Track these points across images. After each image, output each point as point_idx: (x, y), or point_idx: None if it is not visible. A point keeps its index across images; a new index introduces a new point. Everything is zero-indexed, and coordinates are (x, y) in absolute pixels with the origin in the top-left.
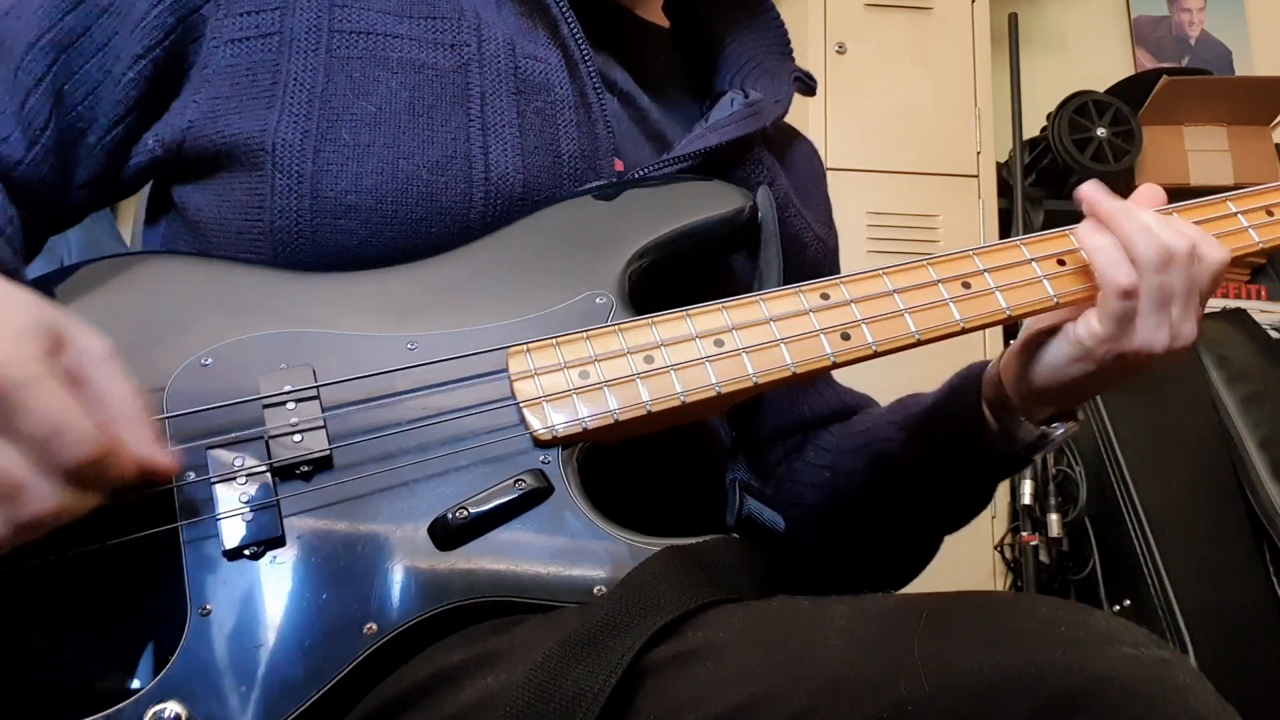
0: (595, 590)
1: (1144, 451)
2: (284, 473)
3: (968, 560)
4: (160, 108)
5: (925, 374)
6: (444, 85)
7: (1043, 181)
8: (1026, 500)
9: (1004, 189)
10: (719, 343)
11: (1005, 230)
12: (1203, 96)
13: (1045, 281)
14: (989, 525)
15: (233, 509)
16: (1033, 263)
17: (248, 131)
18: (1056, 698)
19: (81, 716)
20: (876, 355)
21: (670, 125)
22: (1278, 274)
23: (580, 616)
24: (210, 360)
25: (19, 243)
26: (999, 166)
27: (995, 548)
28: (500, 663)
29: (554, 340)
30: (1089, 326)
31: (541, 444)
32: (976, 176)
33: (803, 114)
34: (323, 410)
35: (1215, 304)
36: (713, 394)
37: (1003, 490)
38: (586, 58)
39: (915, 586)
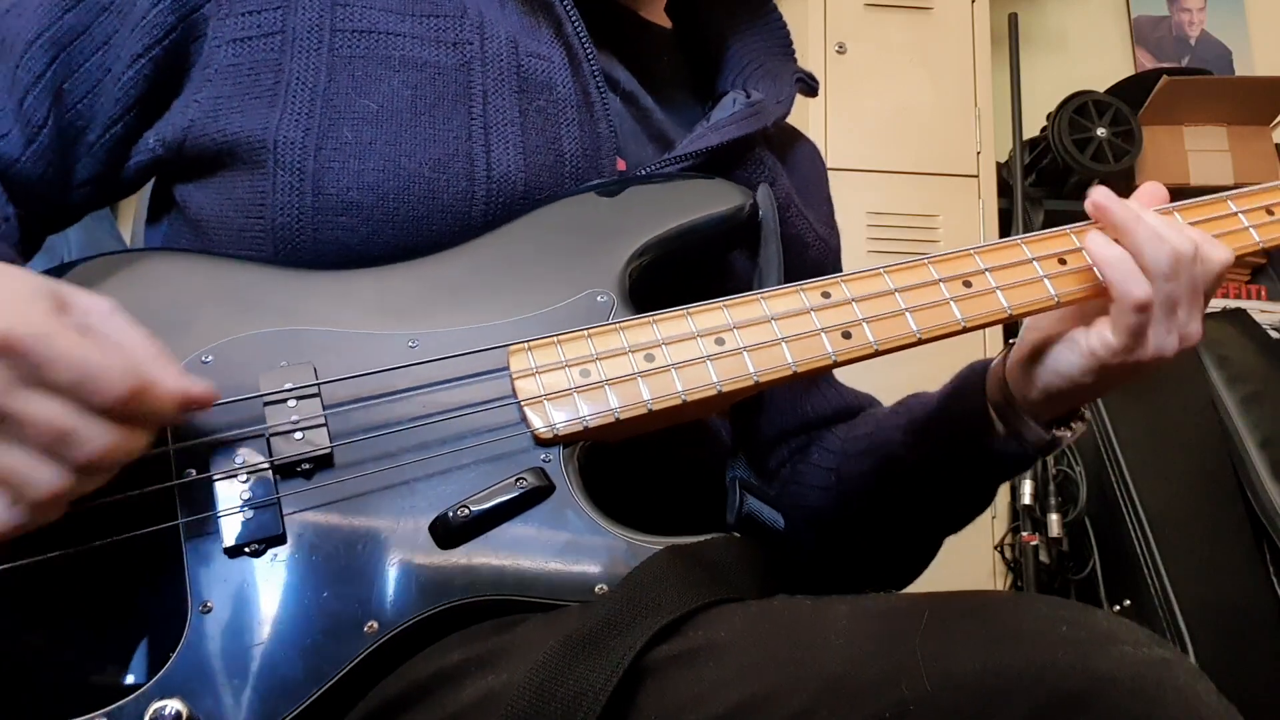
0: (596, 589)
1: (1144, 451)
2: (285, 470)
3: (968, 560)
4: (161, 107)
5: (926, 373)
6: (446, 83)
7: (1043, 181)
8: (1026, 500)
9: (1004, 189)
10: (720, 341)
11: (1005, 230)
12: (1203, 96)
13: (1046, 281)
14: (989, 525)
15: (233, 506)
16: (1034, 262)
17: (250, 130)
18: (1058, 697)
19: (83, 713)
20: (878, 354)
21: (672, 125)
22: (1278, 274)
23: (581, 615)
24: (211, 358)
25: (16, 240)
26: (999, 166)
27: (995, 548)
28: (501, 662)
29: (555, 338)
30: (1103, 339)
31: (542, 442)
32: (976, 176)
33: (803, 114)
34: (324, 408)
35: (1215, 304)
36: (714, 392)
37: (1003, 490)
38: (590, 57)
39: (916, 586)
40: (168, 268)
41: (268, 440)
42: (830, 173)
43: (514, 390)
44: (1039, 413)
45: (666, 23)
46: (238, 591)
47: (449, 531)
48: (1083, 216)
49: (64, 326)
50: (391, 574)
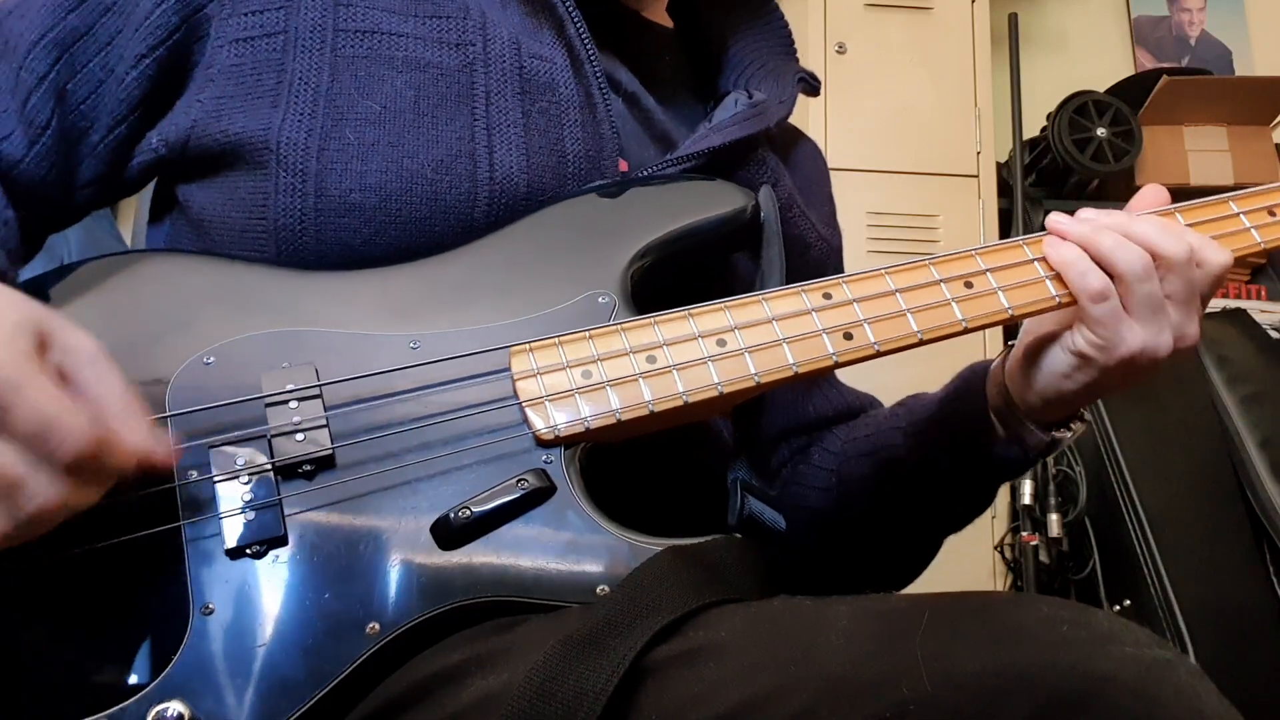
0: (597, 590)
1: (1144, 451)
2: (286, 471)
3: (968, 560)
4: (164, 107)
5: (927, 374)
6: (449, 84)
7: (1043, 181)
8: (1026, 500)
9: (1004, 189)
10: (721, 342)
11: (1005, 230)
12: (1203, 96)
13: (1048, 281)
14: (989, 525)
15: (235, 508)
16: (1035, 262)
17: (252, 130)
18: (1058, 698)
19: (84, 715)
20: (879, 355)
21: (675, 126)
22: (1278, 274)
23: (582, 616)
24: (212, 359)
25: (13, 245)
26: (999, 166)
27: (995, 548)
28: (502, 662)
29: (556, 339)
30: (1083, 335)
31: (544, 443)
32: (976, 176)
33: (803, 114)
34: (325, 409)
35: (1215, 304)
36: (715, 394)
37: (1003, 490)
38: (592, 58)
39: (915, 586)
40: (169, 268)
41: (269, 441)
42: (830, 173)
43: (515, 391)
44: (1038, 415)
45: (668, 23)
46: (239, 593)
47: (450, 532)
48: None
49: (37, 371)
50: (393, 575)
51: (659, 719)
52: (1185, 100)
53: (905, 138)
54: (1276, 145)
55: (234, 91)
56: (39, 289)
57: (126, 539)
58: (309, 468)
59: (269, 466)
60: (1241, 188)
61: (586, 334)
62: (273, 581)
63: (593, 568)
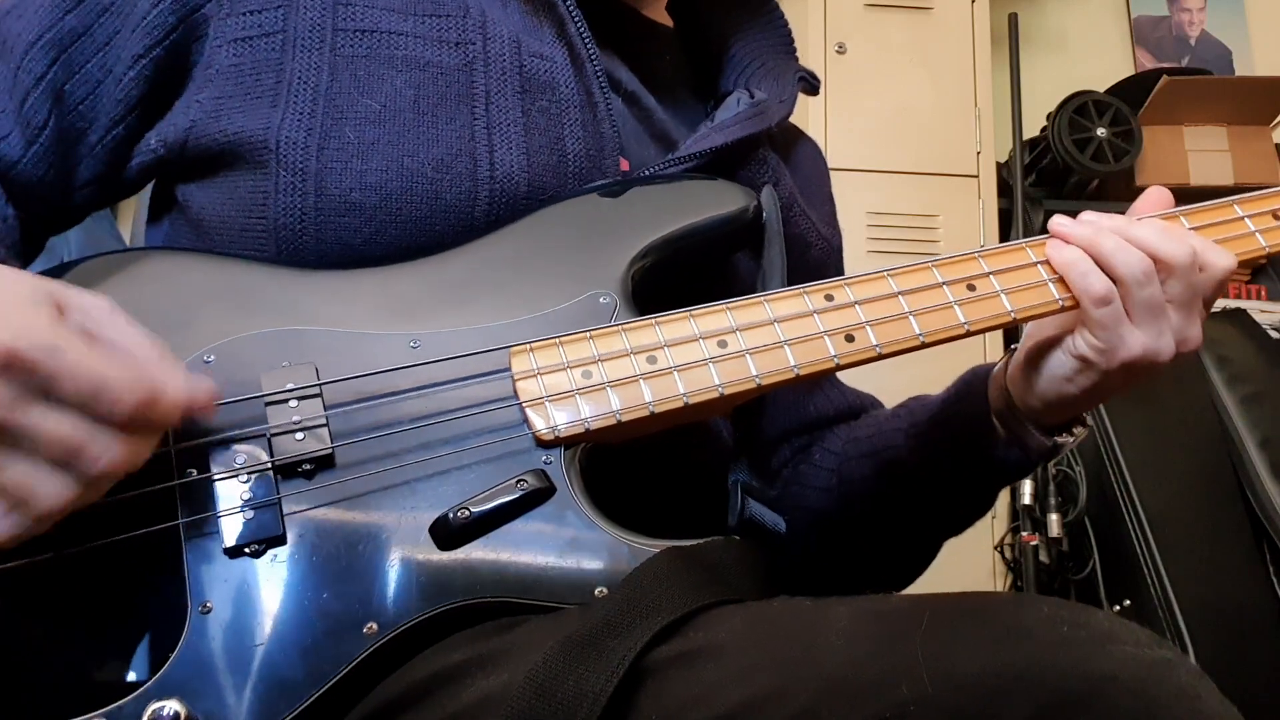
0: (596, 591)
1: (1144, 451)
2: (286, 471)
3: (968, 560)
4: (163, 107)
5: (928, 376)
6: (449, 83)
7: (1043, 181)
8: (1026, 500)
9: (1004, 189)
10: (723, 344)
11: (1005, 230)
12: (1203, 96)
13: (1051, 284)
14: (989, 525)
15: (234, 507)
16: (1038, 265)
17: (251, 130)
18: (1058, 698)
19: (81, 712)
20: (881, 357)
21: (675, 125)
22: (1278, 274)
23: (581, 617)
24: (212, 358)
25: (14, 241)
26: (999, 166)
27: (995, 548)
28: (501, 663)
29: (557, 340)
30: (1084, 339)
31: (544, 444)
32: (976, 176)
33: (803, 114)
34: (325, 408)
35: (1215, 304)
36: (716, 395)
37: (1003, 490)
38: (593, 57)
39: (915, 587)
40: (169, 267)
41: (269, 440)
42: (830, 173)
43: (515, 391)
44: (1040, 418)
45: (668, 21)
46: (238, 592)
47: (450, 533)
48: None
49: (69, 335)
50: (392, 575)
51: None
52: (1185, 100)
53: (905, 138)
54: (1276, 145)
55: (233, 91)
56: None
57: (125, 537)
58: (308, 467)
59: (268, 465)
60: (1241, 188)
61: (587, 334)
62: (271, 581)
63: (592, 568)
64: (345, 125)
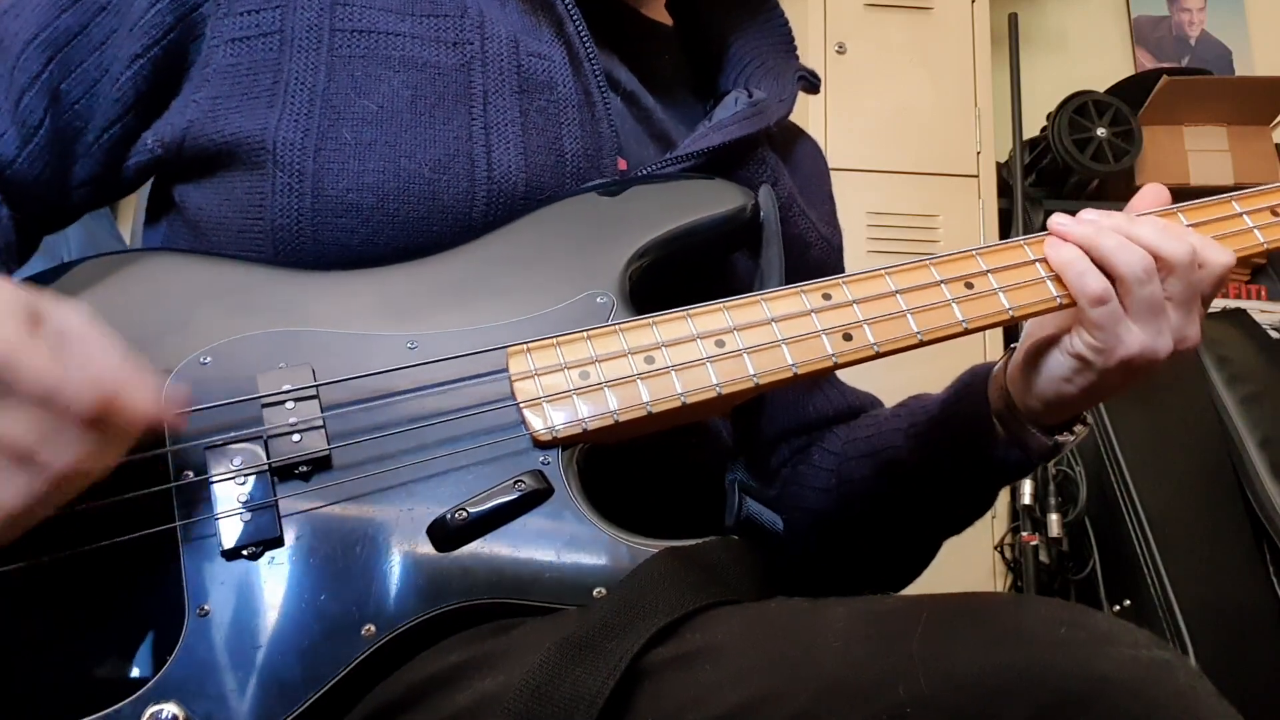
0: (594, 592)
1: (1144, 451)
2: (283, 472)
3: (968, 560)
4: (159, 107)
5: (927, 375)
6: (446, 83)
7: (1043, 181)
8: (1026, 500)
9: (1004, 189)
10: (720, 343)
11: (1005, 230)
12: (1203, 96)
13: (1049, 282)
14: (989, 525)
15: (231, 509)
16: (1036, 263)
17: (248, 130)
18: (1058, 699)
19: (79, 716)
20: (879, 356)
21: (674, 124)
22: (1278, 274)
23: (579, 618)
24: (209, 358)
25: (8, 241)
26: (999, 166)
27: (995, 548)
28: (498, 665)
29: (554, 340)
30: (1082, 339)
31: (541, 445)
32: (976, 176)
33: (803, 113)
34: (322, 410)
35: (1215, 304)
36: (714, 395)
37: (1003, 490)
38: (591, 56)
39: (915, 587)
40: (166, 268)
41: (265, 442)
42: (830, 172)
43: (513, 392)
44: (1040, 418)
45: (667, 20)
46: (235, 594)
47: (447, 534)
48: None
49: (34, 342)
50: (389, 576)
51: None
52: (1185, 100)
53: (905, 138)
54: (1276, 145)
55: (230, 92)
56: (35, 287)
57: (123, 540)
58: (305, 468)
59: (265, 467)
60: (1241, 188)
61: (585, 335)
62: (269, 583)
63: (590, 569)
64: (342, 126)
